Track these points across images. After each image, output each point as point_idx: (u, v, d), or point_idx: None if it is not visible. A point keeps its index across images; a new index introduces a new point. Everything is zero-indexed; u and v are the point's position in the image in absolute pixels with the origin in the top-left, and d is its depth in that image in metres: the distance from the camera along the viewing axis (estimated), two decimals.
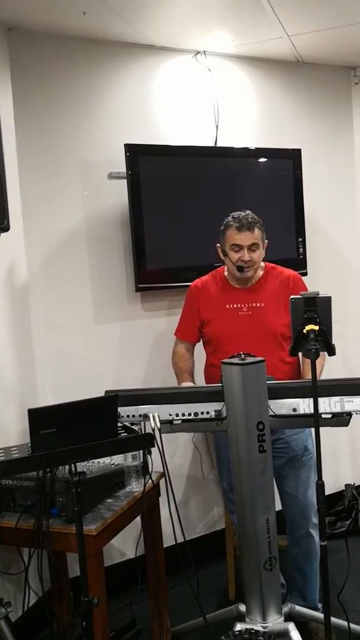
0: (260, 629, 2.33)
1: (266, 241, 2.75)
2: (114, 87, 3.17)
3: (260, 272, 2.80)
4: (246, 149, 3.42)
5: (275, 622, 2.42)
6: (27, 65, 2.92)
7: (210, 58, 3.39)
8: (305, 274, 3.30)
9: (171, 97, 3.32)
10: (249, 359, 2.23)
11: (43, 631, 2.77)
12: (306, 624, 2.70)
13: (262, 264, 2.81)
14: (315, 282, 3.24)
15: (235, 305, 2.75)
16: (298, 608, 2.60)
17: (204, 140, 3.39)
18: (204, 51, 3.36)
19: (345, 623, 2.48)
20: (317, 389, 2.10)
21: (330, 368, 2.74)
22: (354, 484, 3.75)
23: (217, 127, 3.41)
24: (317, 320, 2.07)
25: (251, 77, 3.57)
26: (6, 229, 2.19)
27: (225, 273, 2.82)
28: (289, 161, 3.51)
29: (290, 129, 3.69)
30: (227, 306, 2.76)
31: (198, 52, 3.36)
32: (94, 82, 3.12)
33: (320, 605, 2.79)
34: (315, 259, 3.66)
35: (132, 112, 3.22)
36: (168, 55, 3.30)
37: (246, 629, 2.23)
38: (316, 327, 2.06)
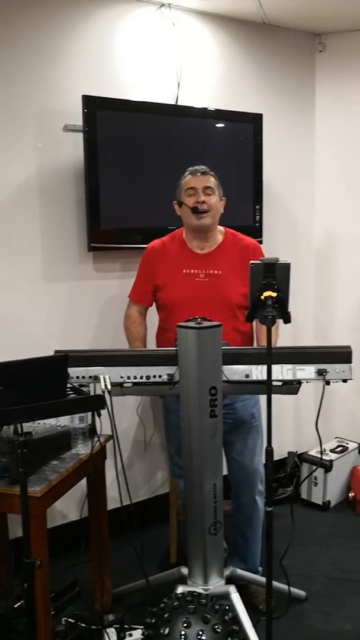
0: (202, 591, 2.35)
1: (224, 198, 2.71)
2: (74, 35, 3.01)
3: (220, 237, 2.74)
4: (207, 110, 3.33)
5: (216, 585, 2.44)
6: None
7: (175, 12, 3.27)
8: (260, 242, 3.27)
9: (133, 50, 3.19)
10: (206, 323, 2.20)
11: None
12: (246, 587, 2.75)
13: (222, 229, 2.76)
14: (269, 250, 3.20)
15: (192, 271, 2.69)
16: (239, 571, 2.64)
17: (165, 97, 3.28)
18: (169, 4, 3.24)
19: (284, 586, 2.53)
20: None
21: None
22: (297, 451, 3.81)
23: (178, 84, 3.30)
24: (276, 287, 2.04)
25: (215, 36, 3.47)
26: None
27: (184, 235, 2.76)
28: (249, 125, 3.45)
29: (252, 92, 3.62)
30: (184, 271, 2.69)
31: (163, 5, 3.23)
32: (54, 27, 2.95)
33: (260, 569, 2.84)
34: (270, 227, 3.64)
35: (92, 63, 3.07)
36: (132, 5, 3.15)
37: (188, 591, 2.25)
38: (274, 294, 2.03)
